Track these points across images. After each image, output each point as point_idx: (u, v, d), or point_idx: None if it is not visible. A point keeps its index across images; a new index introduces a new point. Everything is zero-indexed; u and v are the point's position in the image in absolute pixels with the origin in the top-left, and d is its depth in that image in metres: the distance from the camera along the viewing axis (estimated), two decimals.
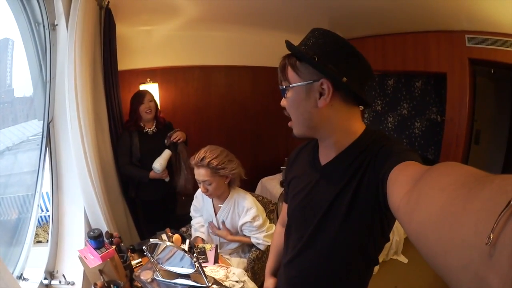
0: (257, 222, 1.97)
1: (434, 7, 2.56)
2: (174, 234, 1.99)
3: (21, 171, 2.15)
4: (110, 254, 1.61)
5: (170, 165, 2.66)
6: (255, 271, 2.03)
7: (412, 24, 3.07)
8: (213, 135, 3.94)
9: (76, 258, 1.68)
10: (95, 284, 1.53)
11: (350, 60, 0.86)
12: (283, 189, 3.14)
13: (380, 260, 2.99)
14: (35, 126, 2.09)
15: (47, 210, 2.44)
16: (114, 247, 1.70)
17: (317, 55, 0.83)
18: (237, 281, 1.70)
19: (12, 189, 2.05)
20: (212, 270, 1.75)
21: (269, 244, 1.96)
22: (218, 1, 2.92)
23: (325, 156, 0.97)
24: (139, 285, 1.64)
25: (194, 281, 1.55)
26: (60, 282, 1.81)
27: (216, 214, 2.07)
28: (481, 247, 0.31)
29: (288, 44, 0.88)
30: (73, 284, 1.81)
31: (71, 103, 1.95)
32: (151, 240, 1.57)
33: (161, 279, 1.59)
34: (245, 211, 1.98)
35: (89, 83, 2.05)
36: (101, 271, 1.58)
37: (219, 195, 2.00)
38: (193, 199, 2.24)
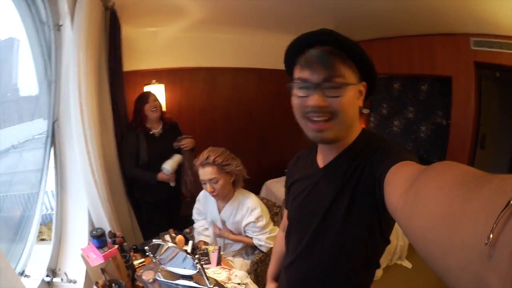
0: (261, 223, 1.96)
1: (439, 9, 2.56)
2: (177, 235, 1.99)
3: (26, 169, 2.16)
4: (112, 253, 1.61)
5: (178, 170, 2.65)
6: (258, 273, 2.02)
7: (417, 27, 3.07)
8: (218, 137, 3.93)
9: (79, 257, 1.69)
10: (97, 283, 1.53)
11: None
12: None
13: (384, 265, 3.02)
14: (41, 125, 2.10)
15: (52, 209, 2.45)
16: (116, 246, 1.70)
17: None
18: (239, 284, 1.70)
19: (17, 187, 2.05)
20: (214, 272, 1.75)
21: (272, 246, 1.95)
22: (224, 3, 2.93)
23: (324, 158, 0.97)
24: (140, 285, 1.64)
25: (195, 282, 1.55)
26: (62, 280, 1.81)
27: (220, 215, 2.06)
28: (481, 247, 0.30)
29: (344, 38, 0.81)
30: (75, 282, 1.81)
31: (75, 104, 1.96)
32: (153, 240, 1.57)
33: (162, 279, 1.59)
34: (249, 211, 1.97)
35: (93, 84, 2.07)
36: (103, 270, 1.59)
37: (224, 196, 2.00)
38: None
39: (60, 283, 1.81)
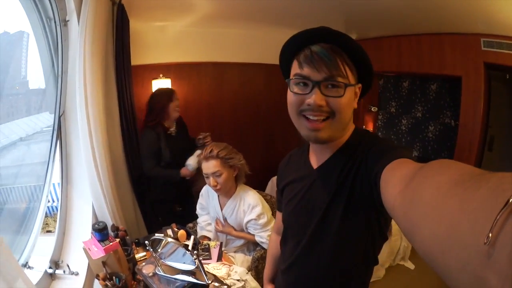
0: (262, 220, 1.97)
1: (450, 8, 2.51)
2: (179, 230, 2.00)
3: (33, 161, 2.20)
4: (113, 246, 1.64)
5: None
6: (258, 270, 2.03)
7: (427, 25, 3.02)
8: (225, 132, 3.91)
9: (82, 249, 1.72)
10: (98, 275, 1.56)
11: None
12: None
13: (387, 265, 3.00)
14: (49, 117, 2.12)
15: (58, 200, 2.50)
16: (118, 240, 1.72)
17: None
18: (238, 280, 1.71)
19: (23, 179, 2.09)
20: (214, 267, 1.76)
21: None
22: None
23: (318, 158, 0.96)
24: (141, 278, 1.66)
25: (194, 277, 1.56)
26: (64, 271, 1.84)
27: (222, 211, 2.08)
28: (479, 247, 0.30)
29: (348, 38, 0.81)
30: (77, 274, 1.84)
31: (81, 98, 1.98)
32: (155, 235, 1.59)
33: (162, 273, 1.60)
34: (250, 208, 1.98)
35: (100, 79, 2.08)
36: (104, 263, 1.62)
37: (227, 191, 2.01)
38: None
39: (62, 275, 1.85)
